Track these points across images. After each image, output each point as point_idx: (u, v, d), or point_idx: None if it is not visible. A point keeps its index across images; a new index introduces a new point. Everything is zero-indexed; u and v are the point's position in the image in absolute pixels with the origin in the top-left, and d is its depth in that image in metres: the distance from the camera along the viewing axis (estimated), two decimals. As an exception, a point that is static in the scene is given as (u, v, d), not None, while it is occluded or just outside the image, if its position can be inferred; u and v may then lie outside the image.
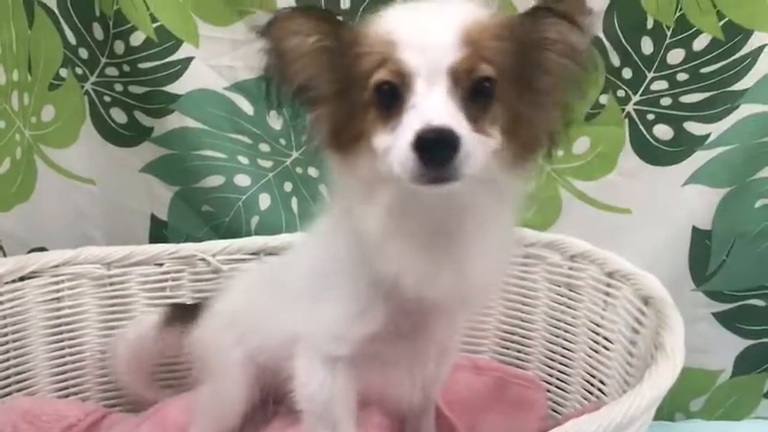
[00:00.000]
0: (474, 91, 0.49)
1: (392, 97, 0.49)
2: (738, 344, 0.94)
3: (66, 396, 0.84)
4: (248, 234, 0.94)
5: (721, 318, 0.94)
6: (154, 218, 0.96)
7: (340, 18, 0.54)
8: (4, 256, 0.87)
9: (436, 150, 0.46)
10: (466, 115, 0.48)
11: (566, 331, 0.82)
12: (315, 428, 0.61)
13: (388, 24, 0.51)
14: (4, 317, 0.78)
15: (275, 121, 0.95)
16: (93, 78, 0.94)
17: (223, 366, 0.71)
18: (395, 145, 0.48)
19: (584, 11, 0.54)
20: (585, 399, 0.79)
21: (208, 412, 0.72)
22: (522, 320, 0.85)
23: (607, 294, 0.77)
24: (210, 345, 0.73)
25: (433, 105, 0.47)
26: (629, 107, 0.90)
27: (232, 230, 0.95)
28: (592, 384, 0.78)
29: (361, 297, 0.56)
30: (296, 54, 0.54)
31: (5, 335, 0.78)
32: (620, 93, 0.90)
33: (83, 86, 0.94)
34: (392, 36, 0.50)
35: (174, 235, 0.96)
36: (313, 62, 0.54)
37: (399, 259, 0.53)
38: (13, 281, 0.79)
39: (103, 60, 0.92)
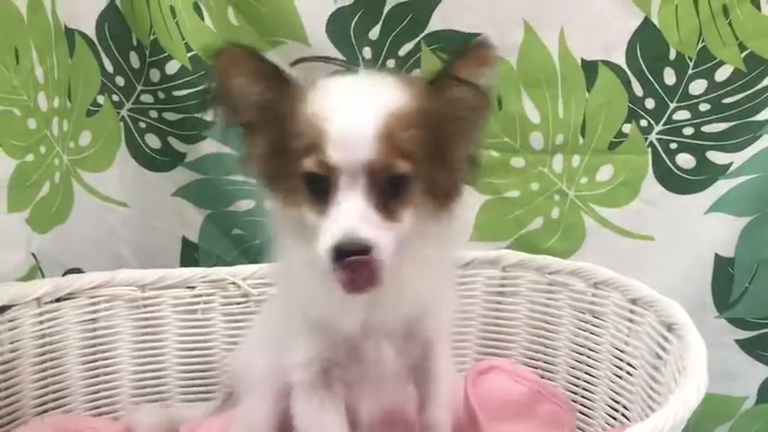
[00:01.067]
0: (390, 184, 0.54)
1: (320, 185, 0.54)
2: (762, 371, 0.95)
3: (100, 414, 0.85)
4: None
5: (744, 345, 0.94)
6: (185, 240, 0.99)
7: (286, 76, 0.56)
8: (42, 276, 0.89)
9: (352, 255, 0.52)
10: (381, 207, 0.53)
11: (589, 357, 0.83)
12: None
13: (321, 105, 0.54)
14: (43, 336, 0.80)
15: (304, 148, 0.97)
16: (128, 105, 0.97)
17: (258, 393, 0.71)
18: (321, 235, 0.53)
19: (489, 61, 0.56)
20: (609, 424, 0.79)
21: None
22: (547, 347, 0.86)
23: (630, 321, 0.78)
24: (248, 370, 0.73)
25: (351, 212, 0.52)
26: (652, 136, 0.92)
27: (261, 253, 0.97)
28: (615, 410, 0.79)
29: (300, 327, 0.62)
30: (240, 93, 0.56)
31: (44, 353, 0.80)
32: (643, 122, 0.92)
33: (119, 113, 0.97)
34: (322, 123, 0.53)
35: (205, 257, 0.98)
36: (254, 108, 0.56)
37: (314, 295, 0.59)
38: (51, 301, 0.81)
39: (139, 88, 0.96)
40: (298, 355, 0.62)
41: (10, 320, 0.77)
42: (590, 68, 0.91)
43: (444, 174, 0.56)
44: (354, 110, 0.53)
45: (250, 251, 0.98)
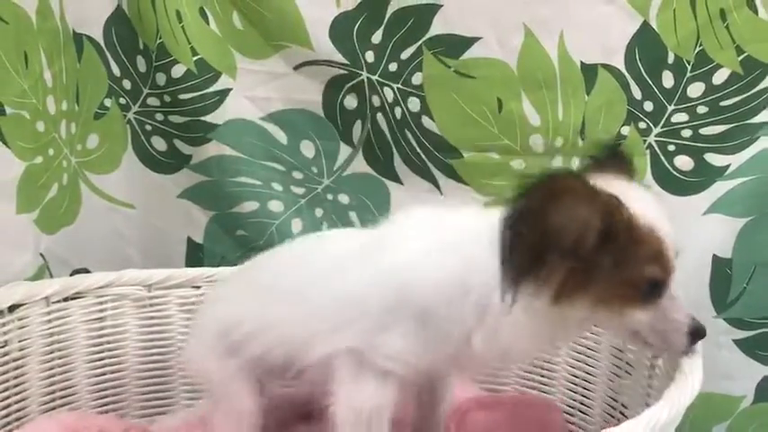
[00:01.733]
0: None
1: (656, 288, 0.60)
2: (760, 371, 0.96)
3: (106, 412, 0.87)
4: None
5: (742, 345, 0.95)
6: (190, 241, 1.00)
7: (618, 203, 0.57)
8: (50, 276, 0.91)
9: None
10: None
11: (588, 356, 0.84)
12: None
13: (649, 217, 0.59)
14: (51, 335, 0.81)
15: (308, 150, 0.99)
16: (135, 108, 0.99)
17: (222, 383, 0.71)
18: (663, 325, 0.61)
19: None
20: (607, 422, 0.80)
21: None
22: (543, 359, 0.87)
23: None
24: (202, 362, 0.73)
25: (683, 302, 0.63)
26: (651, 138, 0.93)
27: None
28: (614, 408, 0.80)
29: (433, 344, 0.62)
30: (565, 221, 0.55)
31: (52, 352, 0.81)
32: (642, 124, 0.93)
33: (125, 116, 0.99)
34: (659, 233, 0.60)
35: (210, 258, 1.00)
36: (581, 232, 0.56)
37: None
38: (59, 301, 0.82)
39: (146, 91, 0.97)
40: (416, 358, 0.62)
41: (19, 319, 0.78)
42: (589, 72, 0.92)
43: None
44: (667, 220, 0.61)
45: (254, 252, 0.98)
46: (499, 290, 0.56)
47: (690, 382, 0.61)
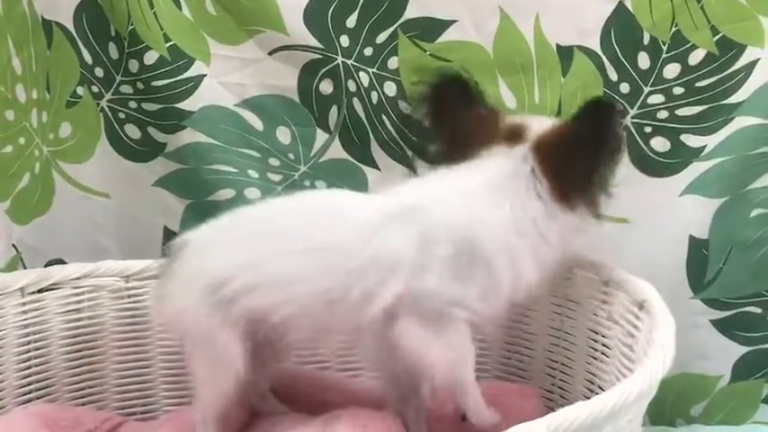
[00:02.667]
0: None
1: None
2: (736, 350, 0.96)
3: (84, 404, 0.86)
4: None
5: (719, 325, 0.96)
6: (166, 230, 0.99)
7: None
8: (24, 267, 0.90)
9: None
10: None
11: (566, 341, 0.84)
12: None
13: None
14: (26, 326, 0.81)
15: (284, 136, 0.98)
16: (108, 96, 0.97)
17: (207, 333, 0.69)
18: None
19: None
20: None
21: (205, 389, 0.71)
22: (524, 331, 0.87)
23: (604, 302, 0.79)
24: (188, 312, 0.70)
25: None
26: (627, 120, 0.93)
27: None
28: (592, 391, 0.80)
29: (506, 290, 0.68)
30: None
31: (27, 343, 0.81)
32: (618, 106, 0.93)
33: (98, 104, 0.98)
34: None
35: (187, 246, 0.99)
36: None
37: None
38: (35, 292, 0.82)
39: (118, 78, 0.96)
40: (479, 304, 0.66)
41: (-8, 311, 0.78)
42: (565, 54, 0.92)
43: None
44: None
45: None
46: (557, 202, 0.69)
47: (662, 354, 0.61)
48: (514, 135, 0.72)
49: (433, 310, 0.64)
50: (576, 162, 0.69)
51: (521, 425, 0.52)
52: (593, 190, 0.70)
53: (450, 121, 0.73)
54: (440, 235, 0.65)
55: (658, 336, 0.63)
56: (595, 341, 0.80)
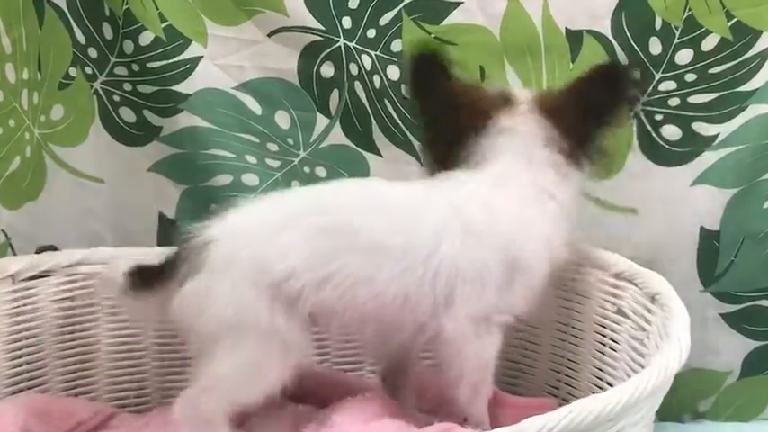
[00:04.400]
0: None
1: None
2: (746, 345, 0.94)
3: (76, 395, 0.84)
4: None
5: (729, 319, 0.94)
6: (161, 216, 0.97)
7: None
8: (14, 254, 0.87)
9: None
10: None
11: (573, 335, 0.82)
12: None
13: None
14: (18, 314, 0.78)
15: (283, 121, 0.95)
16: (102, 78, 0.94)
17: (266, 328, 0.66)
18: None
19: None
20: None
21: (244, 388, 0.67)
22: (529, 325, 0.85)
23: (614, 296, 0.77)
24: (241, 307, 0.66)
25: None
26: (637, 107, 0.90)
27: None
28: (600, 387, 0.78)
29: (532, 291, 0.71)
30: None
31: (19, 332, 0.78)
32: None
33: (92, 86, 0.95)
34: None
35: (183, 233, 0.96)
36: None
37: None
38: (26, 279, 0.79)
39: (113, 60, 0.93)
40: (517, 305, 0.70)
41: (-18, 298, 0.75)
42: (574, 38, 0.89)
43: None
44: None
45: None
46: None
47: (677, 347, 0.59)
48: (507, 103, 0.74)
49: (484, 315, 0.68)
50: (590, 120, 0.73)
51: (536, 417, 0.50)
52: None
53: (432, 93, 0.75)
54: (494, 255, 0.68)
55: (673, 329, 0.61)
56: (603, 335, 0.78)
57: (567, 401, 0.81)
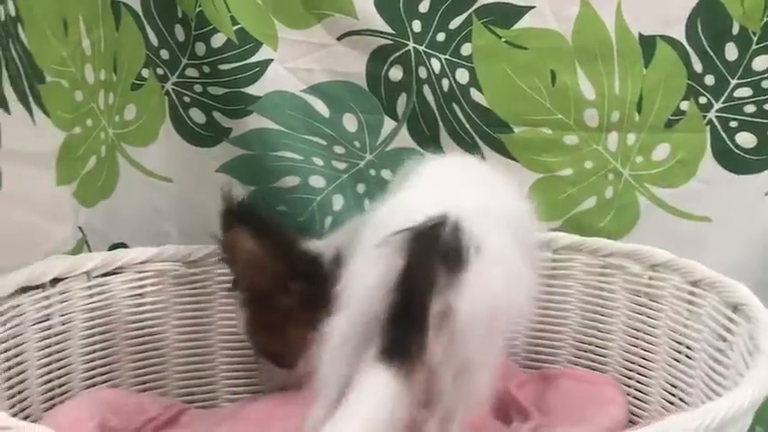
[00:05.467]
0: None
1: None
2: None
3: (145, 390, 0.85)
4: (321, 234, 0.95)
5: (803, 330, 0.91)
6: (229, 216, 0.98)
7: None
8: (89, 250, 0.89)
9: None
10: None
11: (645, 341, 0.81)
12: None
13: None
14: (92, 310, 0.79)
15: (350, 124, 0.96)
16: (173, 79, 0.96)
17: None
18: None
19: None
20: (665, 409, 0.77)
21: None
22: (599, 330, 0.84)
23: (690, 303, 0.76)
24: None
25: None
26: (712, 114, 0.89)
27: (306, 230, 0.95)
28: (672, 395, 0.77)
29: None
30: None
31: (93, 327, 0.79)
32: (702, 99, 0.89)
33: (163, 87, 0.96)
34: None
35: (248, 234, 0.97)
36: None
37: None
38: (100, 275, 0.80)
39: (184, 61, 0.94)
40: None
41: (61, 293, 0.76)
42: (648, 43, 0.88)
43: None
44: None
45: (294, 228, 0.96)
46: None
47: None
48: None
49: None
50: None
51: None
52: None
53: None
54: None
55: (764, 343, 0.60)
56: (679, 343, 0.77)
57: (637, 404, 0.80)
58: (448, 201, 0.55)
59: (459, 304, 0.50)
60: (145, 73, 0.95)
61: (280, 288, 0.72)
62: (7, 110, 0.71)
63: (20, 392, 0.71)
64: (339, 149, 0.96)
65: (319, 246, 0.77)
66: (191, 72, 0.94)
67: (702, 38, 0.87)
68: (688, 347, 0.76)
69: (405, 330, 0.48)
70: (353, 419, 0.47)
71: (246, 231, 0.73)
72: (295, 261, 0.71)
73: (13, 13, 0.74)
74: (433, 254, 0.50)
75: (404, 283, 0.49)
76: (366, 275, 0.51)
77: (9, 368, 0.70)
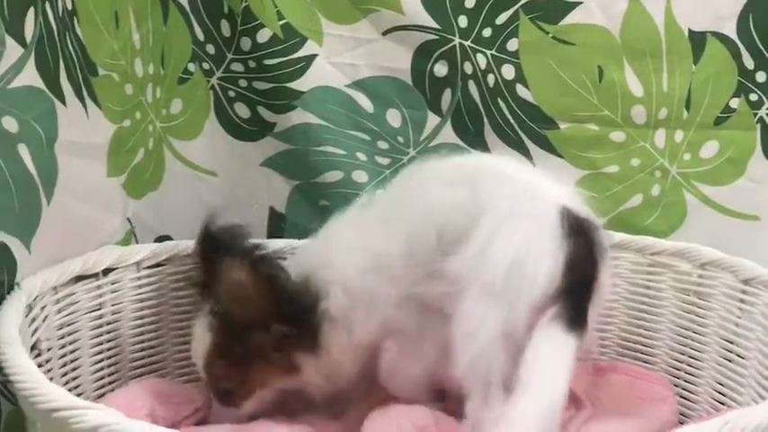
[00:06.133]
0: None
1: None
2: None
3: (189, 381, 0.85)
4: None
5: None
6: (272, 210, 0.98)
7: None
8: (137, 241, 0.90)
9: None
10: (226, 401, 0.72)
11: (693, 340, 0.80)
12: None
13: None
14: (141, 300, 0.80)
15: (394, 119, 0.96)
16: (218, 73, 0.96)
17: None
18: None
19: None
20: (715, 408, 0.77)
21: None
22: (646, 329, 0.84)
23: (742, 302, 0.75)
24: None
25: None
26: (762, 112, 0.88)
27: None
28: (723, 394, 0.76)
29: None
30: None
31: (143, 317, 0.80)
32: (753, 96, 0.88)
33: (209, 81, 0.97)
34: None
35: (291, 228, 0.97)
36: None
37: None
38: (150, 267, 0.81)
39: (230, 56, 0.95)
40: None
41: (112, 283, 0.77)
42: (698, 40, 0.87)
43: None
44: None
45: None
46: None
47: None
48: None
49: None
50: None
51: (689, 425, 0.49)
52: None
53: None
54: None
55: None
56: (730, 341, 0.76)
57: (685, 403, 0.79)
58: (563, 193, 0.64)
59: (602, 278, 0.61)
60: (191, 67, 0.96)
61: (260, 326, 0.68)
62: (64, 102, 0.72)
63: (74, 379, 0.72)
64: (383, 145, 0.97)
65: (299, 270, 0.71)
66: (236, 67, 0.95)
67: (754, 34, 0.86)
68: (739, 346, 0.75)
69: (580, 302, 0.58)
70: (550, 380, 0.55)
71: (242, 262, 0.66)
72: (282, 302, 0.67)
73: (69, 6, 0.75)
74: (592, 243, 0.61)
75: (578, 268, 0.59)
76: (538, 267, 0.59)
77: (64, 355, 0.71)
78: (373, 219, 0.71)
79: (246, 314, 0.67)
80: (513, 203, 0.61)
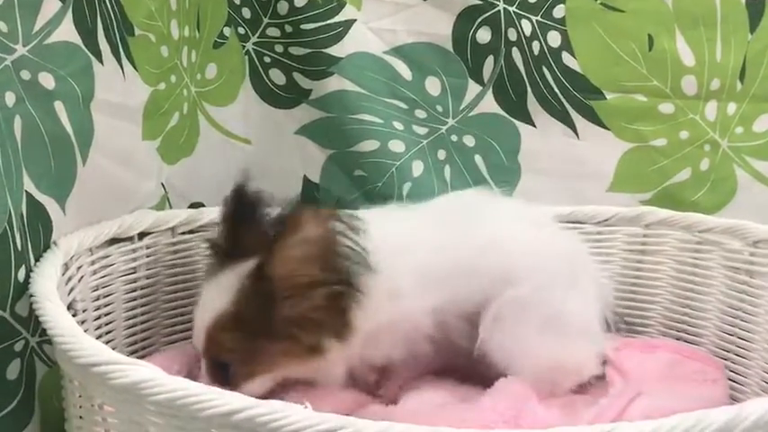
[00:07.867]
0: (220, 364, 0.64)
1: None
2: None
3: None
4: (400, 200, 0.93)
5: None
6: (306, 179, 0.97)
7: None
8: (170, 207, 0.88)
9: None
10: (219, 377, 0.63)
11: (743, 320, 0.77)
12: None
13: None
14: (175, 266, 0.79)
15: (433, 87, 0.93)
16: (254, 38, 0.94)
17: None
18: None
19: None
20: (765, 391, 0.74)
21: None
22: (692, 308, 0.81)
23: (798, 279, 0.72)
24: None
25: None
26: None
27: (384, 196, 0.93)
28: (774, 377, 0.73)
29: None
30: None
31: (176, 283, 0.79)
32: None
33: (244, 46, 0.95)
34: None
35: (325, 197, 0.96)
36: None
37: None
38: (184, 233, 0.80)
39: (266, 21, 0.93)
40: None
41: (147, 247, 0.76)
42: (755, 8, 0.84)
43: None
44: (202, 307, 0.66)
45: (372, 194, 0.95)
46: None
47: None
48: None
49: None
50: None
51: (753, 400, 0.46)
52: None
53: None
54: None
55: None
56: (782, 323, 0.73)
57: (734, 386, 0.77)
58: None
59: None
60: (226, 32, 0.94)
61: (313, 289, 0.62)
62: (101, 60, 0.71)
63: (108, 342, 0.71)
64: (421, 114, 0.94)
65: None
66: (272, 32, 0.93)
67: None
68: (791, 328, 0.72)
69: None
70: None
71: (319, 216, 0.61)
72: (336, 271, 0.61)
73: (107, -37, 0.73)
74: None
75: None
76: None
77: (98, 317, 0.70)
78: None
79: (311, 272, 0.60)
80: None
